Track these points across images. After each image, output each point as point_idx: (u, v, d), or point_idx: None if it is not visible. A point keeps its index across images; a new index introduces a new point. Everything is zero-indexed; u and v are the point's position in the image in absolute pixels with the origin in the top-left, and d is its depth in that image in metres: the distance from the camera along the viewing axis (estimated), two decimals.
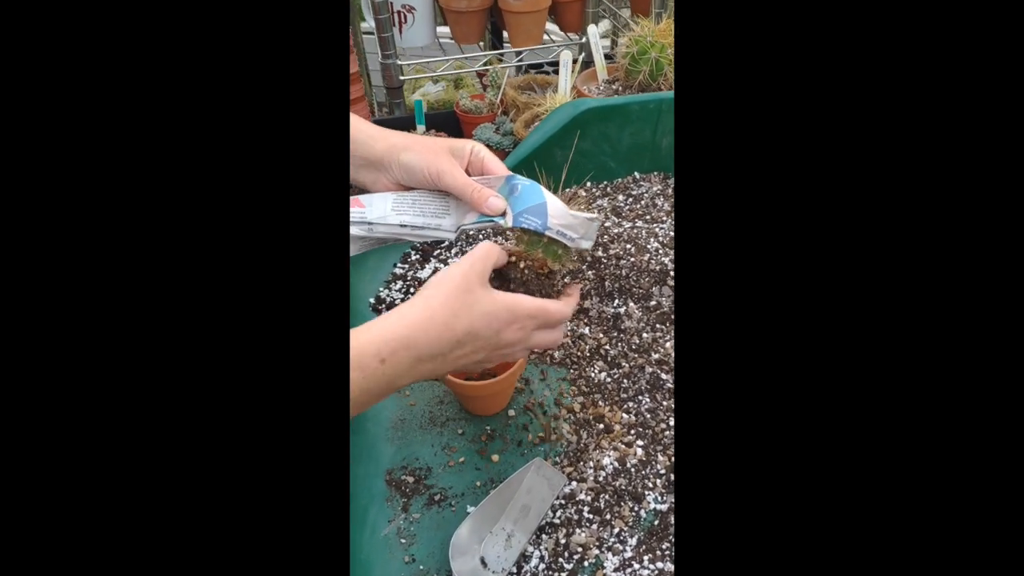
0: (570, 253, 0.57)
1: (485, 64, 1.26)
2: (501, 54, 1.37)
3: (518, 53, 1.23)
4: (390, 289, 0.84)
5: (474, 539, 0.55)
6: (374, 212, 0.58)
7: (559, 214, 0.53)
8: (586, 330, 0.74)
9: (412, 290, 0.83)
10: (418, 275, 0.85)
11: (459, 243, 0.89)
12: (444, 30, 1.28)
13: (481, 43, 1.30)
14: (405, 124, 1.09)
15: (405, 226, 0.58)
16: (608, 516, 0.57)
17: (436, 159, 0.56)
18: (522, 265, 0.56)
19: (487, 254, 0.52)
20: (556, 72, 1.10)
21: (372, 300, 0.82)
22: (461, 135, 1.30)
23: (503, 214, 0.54)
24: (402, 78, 1.14)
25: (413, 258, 0.88)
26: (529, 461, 0.58)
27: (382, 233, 0.59)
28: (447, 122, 1.13)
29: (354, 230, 0.59)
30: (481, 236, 0.82)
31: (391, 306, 0.81)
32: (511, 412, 0.67)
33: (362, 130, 0.59)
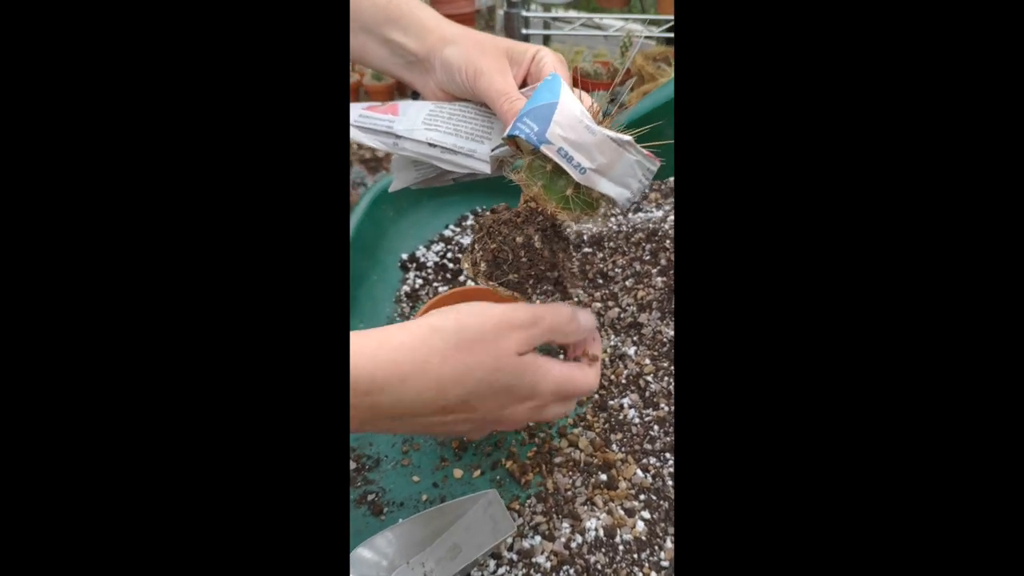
0: (592, 200, 0.36)
1: (617, 31, 1.10)
2: (644, 19, 1.19)
3: (658, 23, 1.05)
4: (428, 249, 0.73)
5: (382, 559, 0.42)
6: (404, 123, 0.43)
7: (568, 122, 0.33)
8: (631, 350, 0.57)
9: (450, 255, 0.72)
10: (463, 240, 0.74)
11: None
12: None
13: (626, 10, 1.14)
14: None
15: (435, 146, 0.43)
16: None
17: (480, 57, 0.41)
18: (519, 239, 0.37)
19: (550, 319, 0.36)
20: None
21: (404, 256, 0.72)
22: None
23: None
24: (525, 31, 1.02)
25: (469, 222, 0.77)
26: (487, 491, 0.44)
27: (409, 151, 0.44)
28: None
29: (375, 142, 0.45)
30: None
31: (421, 267, 0.71)
32: None
33: (418, 18, 0.44)
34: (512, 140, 0.37)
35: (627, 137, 0.34)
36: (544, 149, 0.33)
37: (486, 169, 0.43)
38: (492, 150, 0.42)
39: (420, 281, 0.69)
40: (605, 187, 0.34)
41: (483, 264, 0.37)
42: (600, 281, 0.64)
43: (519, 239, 0.37)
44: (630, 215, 0.74)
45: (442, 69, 0.43)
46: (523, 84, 0.42)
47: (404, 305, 0.66)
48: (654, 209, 0.73)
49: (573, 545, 0.43)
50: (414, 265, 0.71)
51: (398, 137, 0.44)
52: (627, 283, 0.62)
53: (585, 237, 0.68)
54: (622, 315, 0.60)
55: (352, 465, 0.51)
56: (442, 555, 0.40)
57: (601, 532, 0.44)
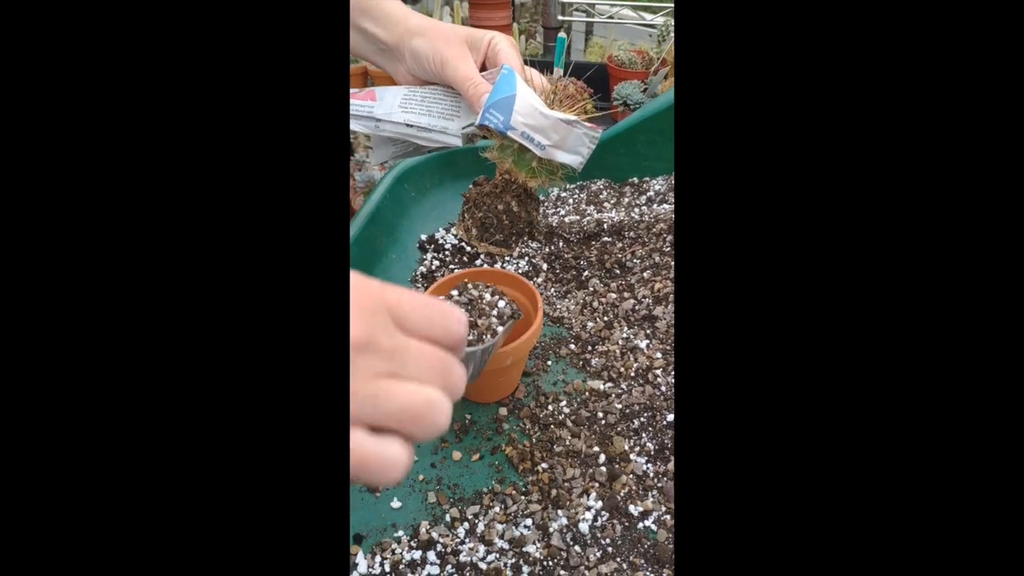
0: (553, 167, 0.46)
1: (662, 14, 1.07)
2: None
3: None
4: (448, 231, 0.73)
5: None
6: (382, 107, 0.52)
7: (526, 111, 0.42)
8: (643, 343, 0.56)
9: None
10: None
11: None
12: None
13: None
14: (542, 67, 0.96)
15: (411, 126, 0.52)
16: None
17: (445, 47, 0.48)
18: (500, 207, 0.47)
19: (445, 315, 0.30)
20: None
21: (423, 237, 0.71)
22: (607, 89, 1.13)
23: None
24: (561, 18, 1.00)
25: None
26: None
27: (389, 132, 0.53)
28: (597, 74, 0.97)
29: (359, 126, 0.53)
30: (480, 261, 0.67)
31: (439, 248, 0.70)
32: (503, 410, 0.52)
33: (385, 10, 0.50)
34: (483, 127, 0.46)
35: (573, 117, 0.42)
36: (510, 134, 0.43)
37: (457, 143, 0.52)
38: (462, 128, 0.50)
39: (437, 263, 0.68)
40: (561, 157, 0.45)
41: (474, 230, 0.49)
42: (617, 271, 0.63)
43: (500, 207, 0.48)
44: (653, 206, 0.72)
45: (411, 58, 0.50)
46: (482, 67, 0.49)
47: (419, 286, 0.66)
48: None
49: (568, 537, 0.43)
50: (432, 246, 0.70)
51: (379, 120, 0.52)
52: (644, 274, 0.60)
53: (605, 227, 0.67)
54: (637, 307, 0.58)
55: None
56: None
57: (598, 523, 0.43)
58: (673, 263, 0.59)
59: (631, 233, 0.64)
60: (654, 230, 0.63)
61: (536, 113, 0.42)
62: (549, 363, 0.56)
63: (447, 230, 0.73)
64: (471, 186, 0.50)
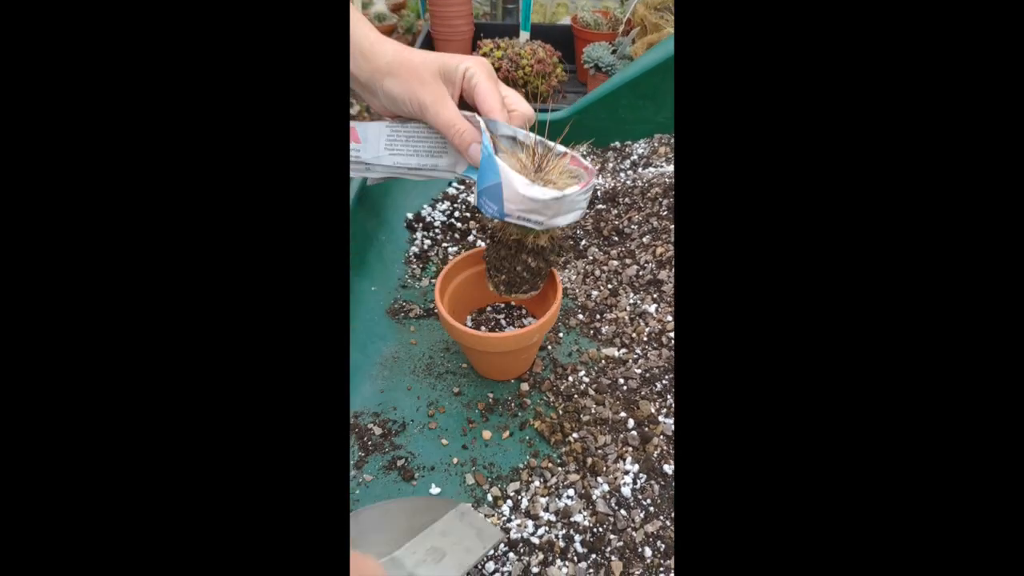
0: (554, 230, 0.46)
1: None
2: None
3: None
4: (434, 208, 0.71)
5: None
6: (369, 151, 0.51)
7: (516, 198, 0.41)
8: (652, 308, 0.57)
9: (457, 213, 0.70)
10: (468, 199, 0.71)
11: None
12: None
13: None
14: (508, 31, 0.93)
15: (400, 167, 0.51)
16: (608, 554, 0.41)
17: (420, 90, 0.46)
18: (519, 268, 0.48)
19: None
20: None
21: (410, 215, 0.69)
22: (572, 51, 1.11)
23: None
24: None
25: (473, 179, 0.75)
26: (459, 501, 0.42)
27: (381, 174, 0.52)
28: (561, 36, 0.95)
29: (351, 170, 0.51)
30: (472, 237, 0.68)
31: (428, 226, 0.68)
32: (524, 386, 0.53)
33: (354, 43, 0.47)
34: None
35: (561, 193, 0.41)
36: (507, 220, 0.43)
37: (449, 177, 0.51)
38: (452, 171, 0.50)
39: (428, 242, 0.67)
40: (561, 222, 0.43)
41: (502, 287, 0.49)
42: (615, 238, 0.63)
43: (519, 267, 0.48)
44: (639, 169, 0.73)
45: (386, 99, 0.49)
46: (460, 100, 0.48)
47: (415, 266, 0.64)
48: (664, 164, 0.72)
49: (613, 502, 0.44)
50: (420, 225, 0.68)
51: (368, 164, 0.51)
52: (644, 240, 0.61)
53: (599, 193, 0.67)
54: (640, 272, 0.59)
55: (378, 431, 0.50)
56: (422, 557, 0.38)
57: (637, 485, 0.44)
58: (672, 227, 0.60)
59: (626, 199, 0.65)
60: (649, 195, 0.64)
61: (526, 200, 0.41)
62: (561, 335, 0.57)
63: (432, 206, 0.71)
64: (488, 242, 0.50)
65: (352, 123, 0.51)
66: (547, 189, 0.41)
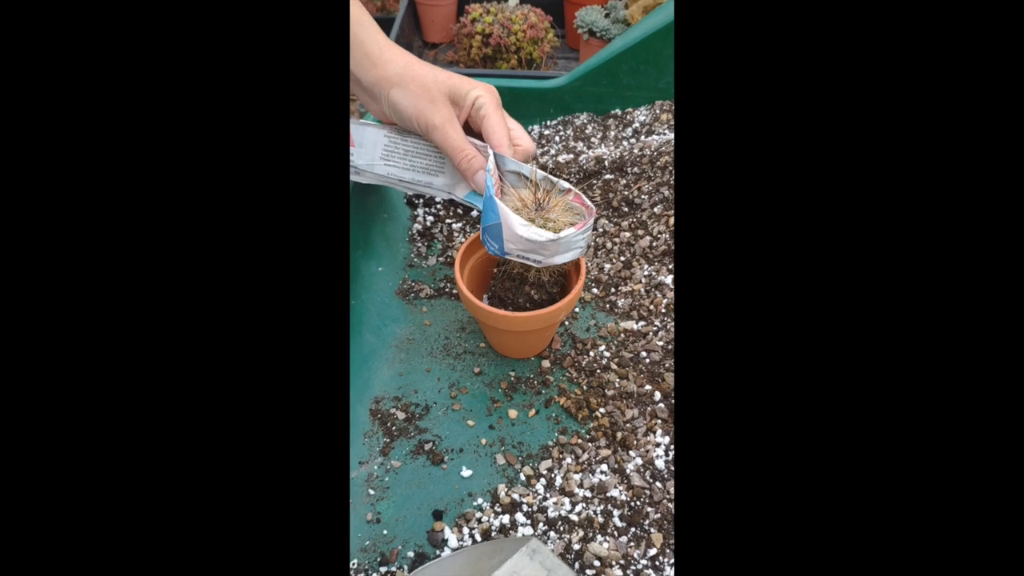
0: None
1: None
2: None
3: None
4: None
5: None
6: (363, 157, 0.50)
7: (515, 238, 0.42)
8: (667, 279, 0.56)
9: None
10: None
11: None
12: None
13: None
14: None
15: (393, 178, 0.51)
16: (647, 527, 0.41)
17: (429, 109, 0.45)
18: (522, 300, 0.49)
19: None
20: None
21: (410, 191, 0.67)
22: (561, 16, 1.08)
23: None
24: None
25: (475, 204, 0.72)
26: (526, 536, 0.39)
27: (369, 180, 0.51)
28: (550, 0, 0.92)
29: None
30: (475, 213, 0.66)
31: (429, 202, 0.66)
32: (545, 363, 0.52)
33: (360, 45, 0.45)
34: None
35: (556, 236, 0.42)
36: (508, 257, 0.44)
37: (443, 196, 0.52)
38: (451, 194, 0.51)
39: (431, 219, 0.65)
40: (560, 260, 0.44)
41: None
42: (625, 209, 0.62)
43: (522, 299, 0.49)
44: (642, 137, 0.71)
45: (390, 109, 0.47)
46: (465, 123, 0.48)
47: (419, 245, 0.62)
48: (667, 131, 0.70)
49: (648, 475, 0.44)
50: (420, 201, 0.66)
51: (360, 170, 0.51)
52: (655, 210, 0.60)
53: (606, 163, 0.65)
54: (654, 243, 0.59)
55: (401, 415, 0.48)
56: None
57: (670, 457, 0.44)
58: None
59: (634, 169, 0.64)
60: (658, 163, 0.63)
61: (524, 240, 0.42)
62: (576, 310, 0.56)
63: None
64: (494, 273, 0.50)
65: (351, 124, 0.50)
66: (543, 231, 0.42)
